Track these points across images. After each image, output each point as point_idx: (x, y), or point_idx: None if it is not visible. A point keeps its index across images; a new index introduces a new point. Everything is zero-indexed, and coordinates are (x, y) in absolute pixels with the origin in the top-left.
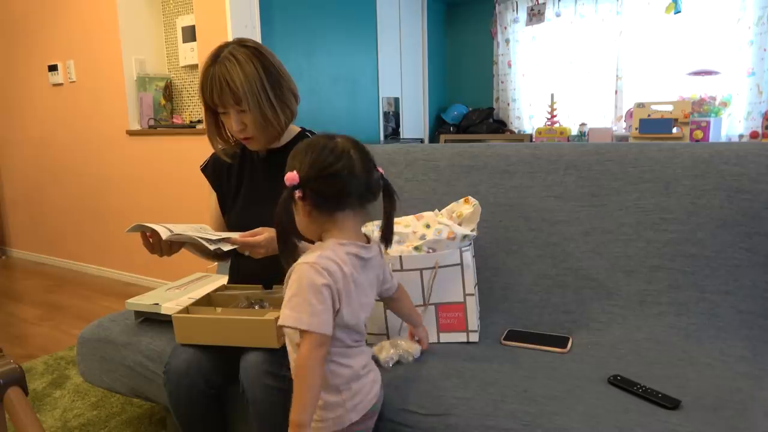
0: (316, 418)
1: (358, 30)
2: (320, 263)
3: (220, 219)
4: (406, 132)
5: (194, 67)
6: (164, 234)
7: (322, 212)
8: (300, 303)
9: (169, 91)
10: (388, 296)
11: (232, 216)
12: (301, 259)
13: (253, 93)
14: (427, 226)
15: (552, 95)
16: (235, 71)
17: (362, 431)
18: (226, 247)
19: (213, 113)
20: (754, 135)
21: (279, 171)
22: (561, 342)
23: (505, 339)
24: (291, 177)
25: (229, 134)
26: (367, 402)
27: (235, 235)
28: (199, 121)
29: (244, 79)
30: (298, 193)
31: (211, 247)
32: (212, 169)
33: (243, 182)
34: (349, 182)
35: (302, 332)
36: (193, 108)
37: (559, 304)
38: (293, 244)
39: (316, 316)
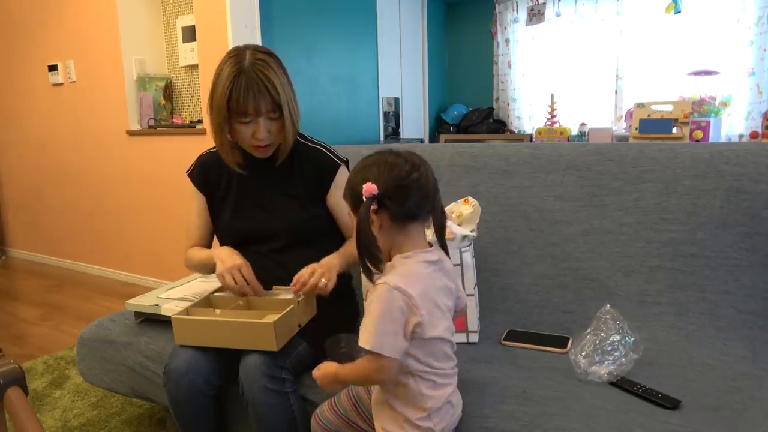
0: None
1: (358, 30)
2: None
3: (207, 224)
4: (406, 132)
5: (194, 67)
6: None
7: (396, 224)
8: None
9: (169, 91)
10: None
11: (222, 221)
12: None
13: (287, 98)
14: (427, 227)
15: (552, 95)
16: (274, 76)
17: None
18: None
19: (224, 125)
20: (754, 135)
21: (276, 178)
22: (561, 342)
23: (505, 339)
24: (369, 188)
25: (232, 144)
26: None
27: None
28: (199, 121)
29: (280, 85)
30: (374, 206)
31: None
32: (200, 174)
33: (232, 188)
34: (425, 191)
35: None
36: (193, 108)
37: (559, 304)
38: (378, 258)
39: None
